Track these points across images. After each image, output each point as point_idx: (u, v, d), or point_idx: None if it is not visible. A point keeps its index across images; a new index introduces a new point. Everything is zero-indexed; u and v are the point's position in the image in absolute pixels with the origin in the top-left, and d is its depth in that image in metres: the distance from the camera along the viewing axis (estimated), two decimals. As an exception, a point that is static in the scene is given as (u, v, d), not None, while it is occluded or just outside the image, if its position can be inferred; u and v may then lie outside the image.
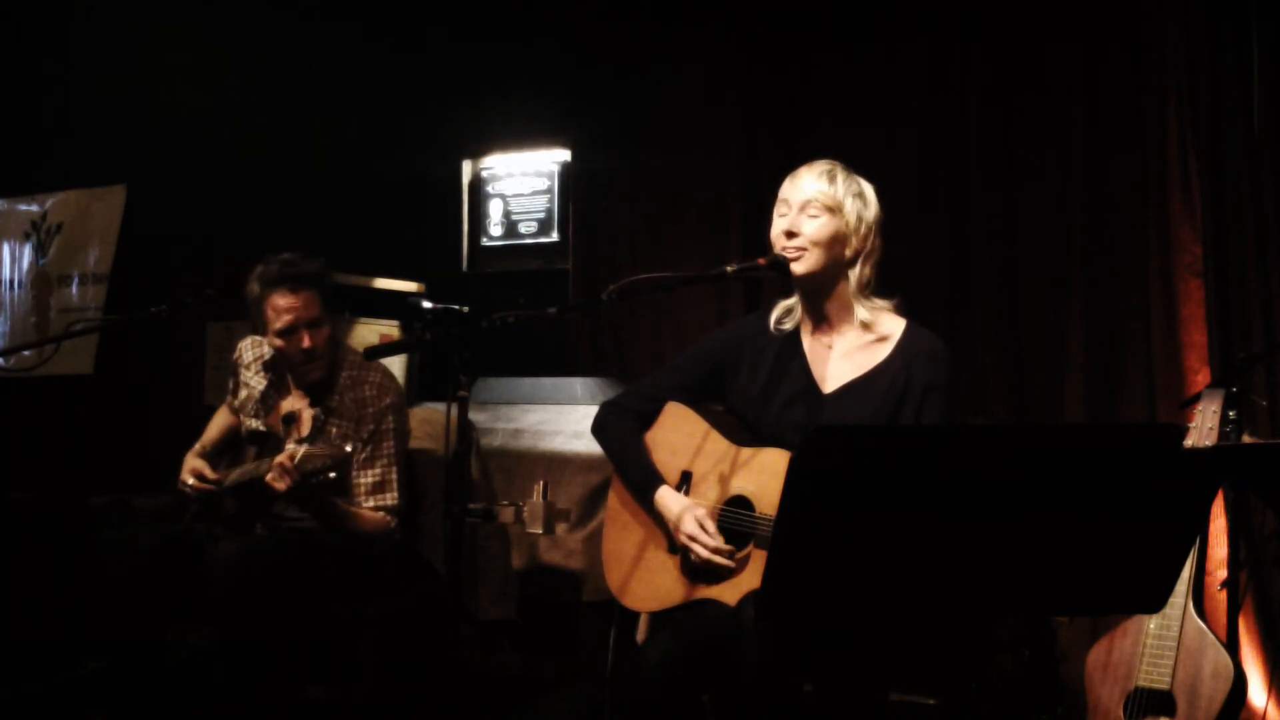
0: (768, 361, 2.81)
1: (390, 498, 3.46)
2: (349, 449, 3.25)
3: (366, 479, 3.46)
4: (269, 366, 3.61)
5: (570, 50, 5.14)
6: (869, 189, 2.75)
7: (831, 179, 2.70)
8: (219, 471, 3.56)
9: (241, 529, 3.51)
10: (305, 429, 3.51)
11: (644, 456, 2.85)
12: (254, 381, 3.64)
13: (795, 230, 2.69)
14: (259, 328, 3.51)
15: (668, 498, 2.76)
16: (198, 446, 3.66)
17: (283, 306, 3.41)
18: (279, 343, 3.45)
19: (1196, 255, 3.91)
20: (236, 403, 3.71)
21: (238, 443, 3.68)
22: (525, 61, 5.24)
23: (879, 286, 2.77)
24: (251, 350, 3.68)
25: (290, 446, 3.29)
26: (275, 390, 3.61)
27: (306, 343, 3.42)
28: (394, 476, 3.47)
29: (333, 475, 3.25)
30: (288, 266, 3.43)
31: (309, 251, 3.55)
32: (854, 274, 2.72)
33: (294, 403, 3.56)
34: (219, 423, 3.75)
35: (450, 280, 5.32)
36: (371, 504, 3.45)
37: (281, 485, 3.19)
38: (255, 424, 3.59)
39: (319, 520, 3.41)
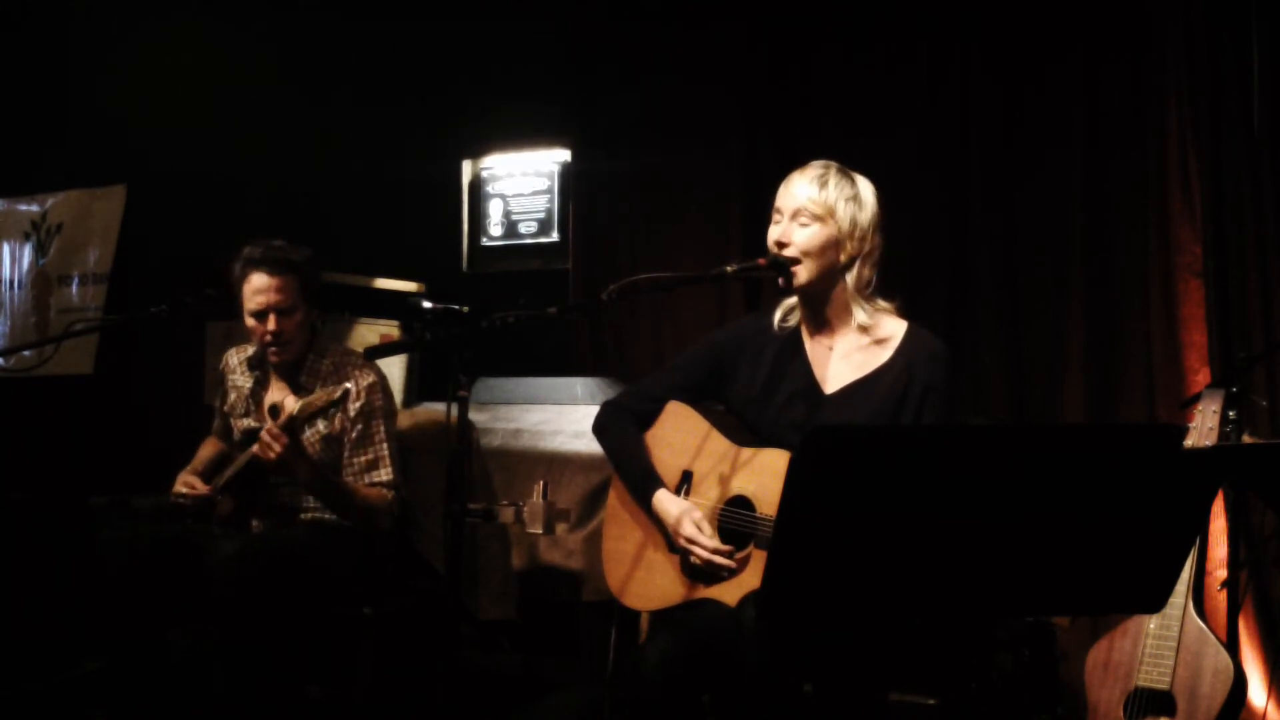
0: (768, 361, 2.80)
1: (385, 474, 3.48)
2: (349, 385, 3.30)
3: (360, 460, 3.48)
4: (253, 365, 3.64)
5: (570, 50, 5.14)
6: (866, 189, 2.71)
7: (823, 184, 2.67)
8: (210, 482, 3.58)
9: (240, 526, 3.51)
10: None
11: (643, 458, 2.84)
12: (241, 382, 3.67)
13: (785, 240, 2.68)
14: (236, 308, 3.53)
15: (666, 501, 2.76)
16: (189, 468, 3.68)
17: (258, 287, 3.45)
18: (251, 323, 3.49)
19: (1196, 255, 3.91)
20: (226, 407, 3.72)
21: (227, 465, 3.68)
22: (525, 61, 5.24)
23: (881, 287, 2.76)
24: (236, 355, 3.73)
25: (273, 419, 3.33)
26: (260, 386, 3.63)
27: (272, 325, 3.45)
28: (386, 453, 3.49)
29: (332, 411, 3.32)
30: (270, 250, 3.48)
31: (309, 251, 3.56)
32: (851, 276, 2.71)
33: (278, 394, 3.58)
34: (209, 448, 3.77)
35: (450, 280, 5.32)
36: (366, 482, 3.47)
37: (272, 454, 3.23)
38: (247, 422, 3.60)
39: (318, 496, 3.43)
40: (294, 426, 3.27)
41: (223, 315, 4.58)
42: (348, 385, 3.30)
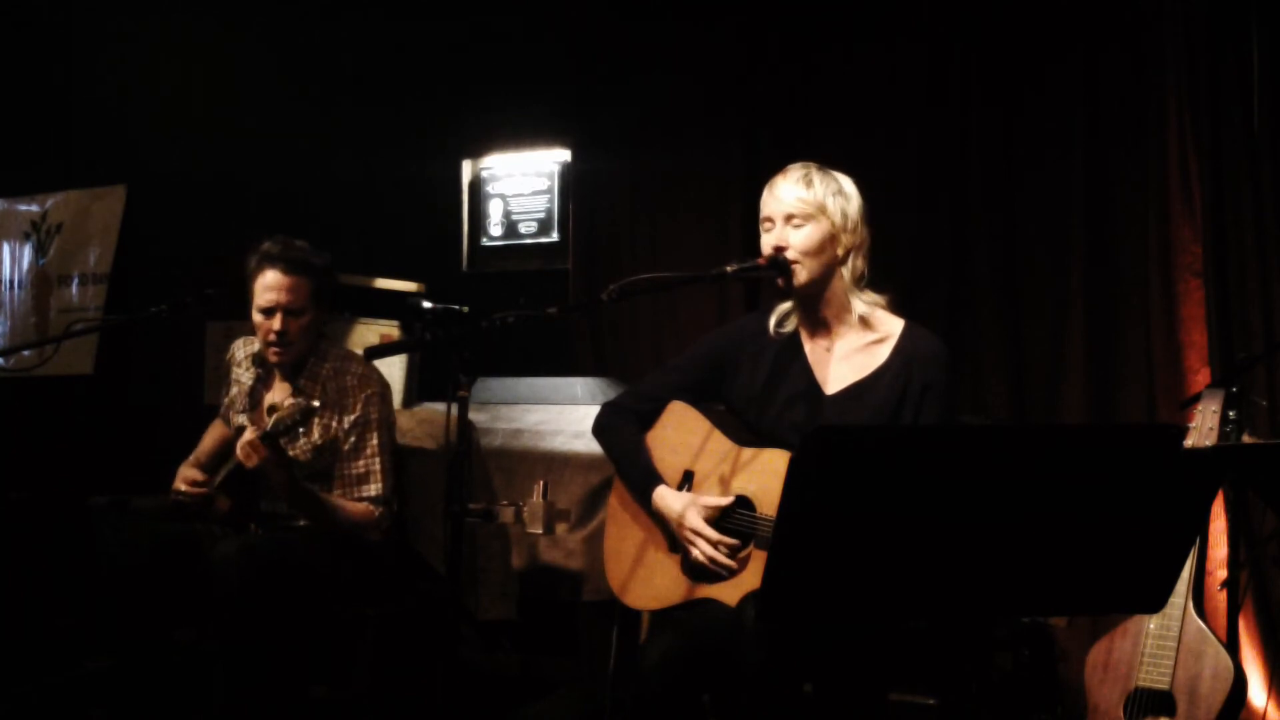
0: (768, 362, 2.81)
1: (374, 488, 3.45)
2: (316, 403, 3.28)
3: (351, 471, 3.46)
4: (257, 361, 3.63)
5: (571, 50, 5.14)
6: (847, 183, 2.75)
7: (809, 184, 2.70)
8: (211, 477, 3.57)
9: (238, 526, 3.51)
10: None
11: (644, 457, 2.85)
12: (244, 378, 3.66)
13: (783, 244, 2.70)
14: (246, 302, 3.52)
15: (668, 496, 2.77)
16: (191, 458, 3.67)
17: (270, 284, 3.43)
18: (257, 318, 3.47)
19: (1196, 255, 3.91)
20: (228, 400, 3.72)
21: (231, 453, 3.68)
22: (525, 61, 5.23)
23: (881, 285, 2.78)
24: (243, 349, 3.71)
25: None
26: (262, 384, 3.62)
27: (278, 325, 3.43)
28: (378, 467, 3.47)
29: (302, 430, 3.30)
30: (290, 249, 3.46)
31: (328, 256, 3.56)
32: (846, 270, 2.73)
33: (278, 394, 3.57)
34: (213, 435, 3.76)
35: (450, 280, 5.31)
36: (355, 495, 3.45)
37: (251, 461, 3.22)
38: (243, 419, 3.60)
39: (298, 508, 3.42)
40: (275, 438, 3.26)
41: (223, 315, 4.59)
42: (315, 403, 3.27)
